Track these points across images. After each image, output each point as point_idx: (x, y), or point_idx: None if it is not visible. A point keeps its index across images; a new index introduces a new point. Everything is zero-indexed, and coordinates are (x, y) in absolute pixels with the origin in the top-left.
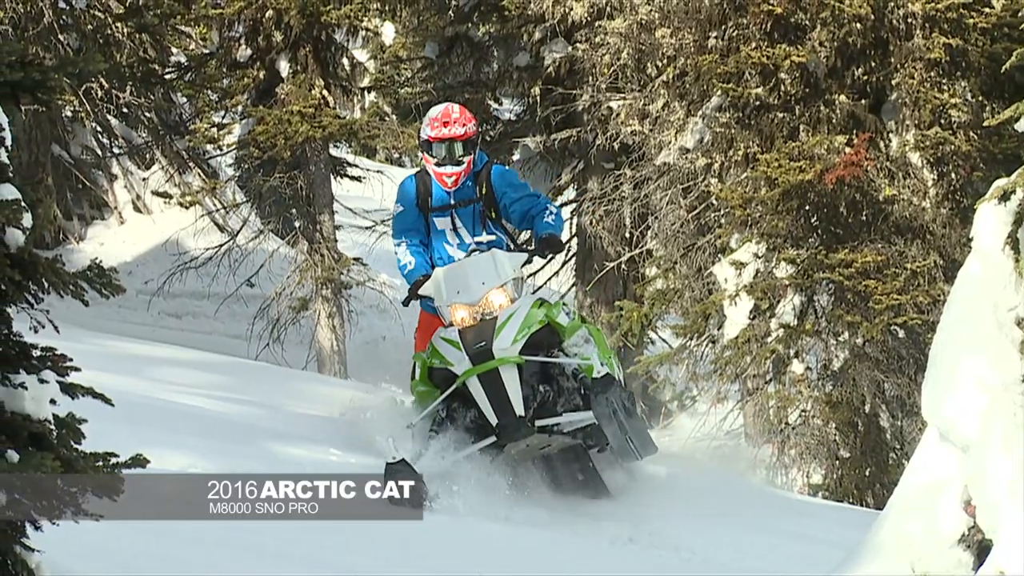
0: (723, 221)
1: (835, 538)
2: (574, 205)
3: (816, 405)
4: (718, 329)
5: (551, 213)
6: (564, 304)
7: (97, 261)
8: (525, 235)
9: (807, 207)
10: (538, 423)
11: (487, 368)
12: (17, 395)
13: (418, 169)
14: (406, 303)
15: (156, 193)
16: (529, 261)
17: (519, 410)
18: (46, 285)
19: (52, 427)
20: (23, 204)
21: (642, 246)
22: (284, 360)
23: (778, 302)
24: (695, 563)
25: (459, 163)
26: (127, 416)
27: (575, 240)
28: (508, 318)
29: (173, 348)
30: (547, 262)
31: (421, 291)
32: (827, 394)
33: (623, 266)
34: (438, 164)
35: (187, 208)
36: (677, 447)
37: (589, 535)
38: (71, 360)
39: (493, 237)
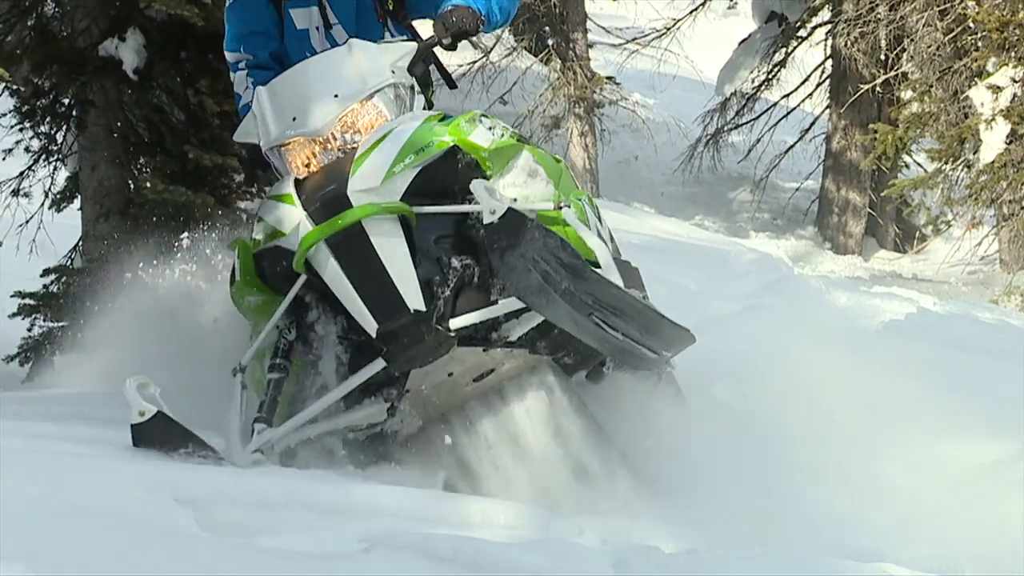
0: (980, 44)
1: None
2: (829, 27)
3: None
4: (974, 153)
5: None
6: (487, 117)
7: None
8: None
9: None
10: (454, 323)
11: (340, 227)
12: None
13: None
14: (262, 169)
15: None
16: (422, 56)
17: (413, 301)
18: None
19: None
20: None
21: (897, 69)
22: None
23: None
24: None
25: None
26: None
27: (829, 62)
28: (376, 142)
29: None
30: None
31: (237, 136)
32: None
33: (878, 89)
34: None
35: None
36: (931, 272)
37: None
38: None
39: (403, 39)
